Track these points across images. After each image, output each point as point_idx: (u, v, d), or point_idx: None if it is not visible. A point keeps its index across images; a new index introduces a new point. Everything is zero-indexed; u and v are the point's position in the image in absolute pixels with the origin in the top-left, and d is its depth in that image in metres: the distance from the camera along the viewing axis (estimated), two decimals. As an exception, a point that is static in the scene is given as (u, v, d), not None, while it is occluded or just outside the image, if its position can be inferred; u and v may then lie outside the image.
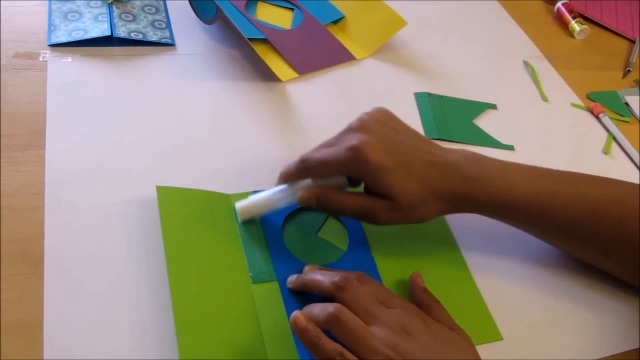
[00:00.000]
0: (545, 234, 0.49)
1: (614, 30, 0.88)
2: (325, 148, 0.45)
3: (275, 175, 0.52)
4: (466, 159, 0.46)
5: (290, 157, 0.54)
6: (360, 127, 0.44)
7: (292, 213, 0.49)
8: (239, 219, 0.46)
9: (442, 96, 0.66)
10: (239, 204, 0.46)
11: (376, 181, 0.43)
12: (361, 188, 0.46)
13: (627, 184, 0.48)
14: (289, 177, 0.45)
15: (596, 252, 0.48)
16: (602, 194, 0.47)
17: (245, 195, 0.49)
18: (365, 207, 0.44)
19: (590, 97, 0.74)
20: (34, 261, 0.41)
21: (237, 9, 0.66)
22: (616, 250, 0.47)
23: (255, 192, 0.49)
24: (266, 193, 0.46)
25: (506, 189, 0.45)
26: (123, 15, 0.62)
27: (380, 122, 0.45)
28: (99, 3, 0.62)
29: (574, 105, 0.72)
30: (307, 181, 0.45)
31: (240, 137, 0.55)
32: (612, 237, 0.46)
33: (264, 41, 0.65)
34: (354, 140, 0.43)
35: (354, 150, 0.42)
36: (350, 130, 0.45)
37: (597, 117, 0.70)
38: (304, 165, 0.44)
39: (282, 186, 0.46)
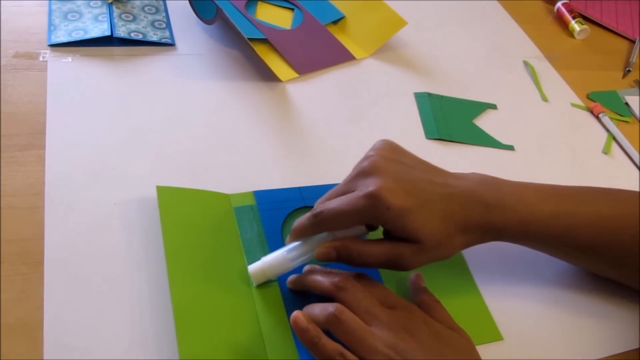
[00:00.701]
0: (563, 253, 0.48)
1: (614, 30, 0.88)
2: (337, 197, 0.42)
3: (276, 175, 0.52)
4: (482, 184, 0.44)
5: (290, 156, 0.55)
6: (372, 170, 0.41)
7: (292, 213, 0.49)
8: (253, 284, 0.43)
9: (442, 96, 0.66)
10: (252, 268, 0.43)
11: (399, 226, 0.40)
12: (379, 231, 0.44)
13: (628, 196, 0.48)
14: (303, 232, 0.42)
15: (612, 267, 0.48)
16: (619, 208, 0.46)
17: (245, 195, 0.49)
18: (390, 255, 0.41)
19: (590, 97, 0.74)
20: (34, 261, 0.41)
21: (237, 9, 0.66)
22: (631, 263, 0.46)
23: (256, 192, 0.49)
24: (279, 253, 0.43)
25: (526, 213, 0.44)
26: (123, 15, 0.62)
27: (390, 159, 0.43)
28: (99, 3, 0.62)
29: (574, 105, 0.72)
30: (322, 235, 0.42)
31: (240, 137, 0.55)
32: (629, 250, 0.46)
33: (264, 41, 0.65)
34: (370, 186, 0.40)
35: (372, 198, 0.39)
36: (362, 174, 0.42)
37: (597, 117, 0.70)
38: (319, 218, 0.41)
39: (296, 243, 0.43)
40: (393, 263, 0.42)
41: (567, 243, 0.46)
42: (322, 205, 0.42)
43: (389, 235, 0.43)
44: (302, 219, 0.42)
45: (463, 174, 0.46)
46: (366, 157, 0.43)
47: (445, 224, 0.42)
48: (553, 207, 0.45)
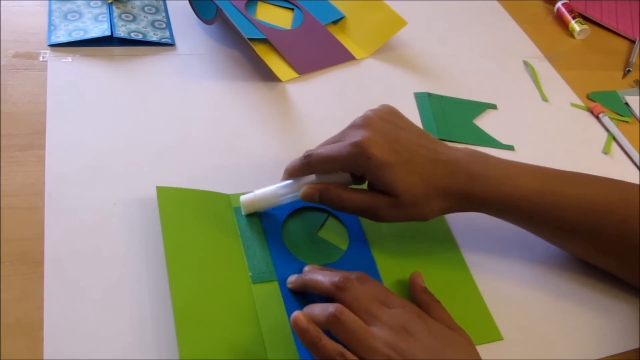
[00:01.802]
0: (547, 233, 0.49)
1: (614, 30, 0.88)
2: (329, 144, 0.45)
3: (276, 175, 0.52)
4: (470, 156, 0.46)
5: (290, 156, 0.54)
6: (364, 124, 0.44)
7: (293, 213, 0.49)
8: (243, 212, 0.47)
9: (442, 96, 0.66)
10: (244, 198, 0.46)
11: (378, 177, 0.43)
12: (365, 185, 0.46)
13: (631, 185, 0.48)
14: (294, 172, 0.46)
15: (597, 252, 0.49)
16: (606, 194, 0.47)
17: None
18: (367, 204, 0.44)
19: (590, 97, 0.74)
20: (34, 261, 0.41)
21: (237, 9, 0.66)
22: (617, 250, 0.47)
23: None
24: (271, 188, 0.46)
25: (510, 187, 0.45)
26: (123, 15, 0.62)
27: (384, 119, 0.45)
28: (99, 3, 0.62)
29: (574, 105, 0.72)
30: (312, 177, 0.46)
31: (240, 137, 0.55)
32: (614, 237, 0.46)
33: (264, 41, 0.65)
34: (357, 136, 0.43)
35: (356, 146, 0.42)
36: (354, 126, 0.45)
37: (597, 117, 0.70)
38: (308, 160, 0.45)
39: (287, 182, 0.46)
40: (369, 212, 0.45)
41: (550, 222, 0.47)
42: (313, 150, 0.45)
43: (372, 189, 0.45)
44: (293, 161, 0.46)
45: (455, 146, 0.47)
46: (363, 114, 0.46)
47: (426, 185, 0.44)
48: (538, 184, 0.46)
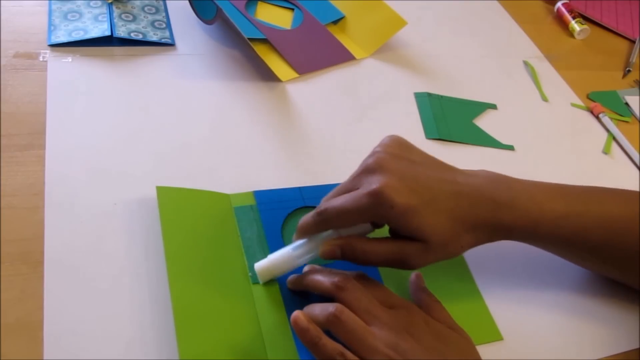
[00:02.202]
0: (574, 255, 0.48)
1: (614, 30, 0.88)
2: (342, 194, 0.41)
3: (276, 175, 0.52)
4: (492, 182, 0.43)
5: (290, 157, 0.55)
6: (377, 167, 0.41)
7: (293, 213, 0.49)
8: (260, 281, 0.43)
9: (442, 96, 0.66)
10: (259, 266, 0.43)
11: (403, 224, 0.40)
12: (385, 229, 0.43)
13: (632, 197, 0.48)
14: (308, 230, 0.42)
15: (621, 269, 0.48)
16: (627, 209, 0.46)
17: (245, 195, 0.49)
18: (394, 254, 0.41)
19: (590, 97, 0.74)
20: (34, 261, 0.41)
21: (237, 9, 0.66)
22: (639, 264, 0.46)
23: (256, 192, 0.49)
24: (285, 251, 0.43)
25: (536, 212, 0.43)
26: (123, 15, 0.62)
27: (396, 156, 0.42)
28: (99, 3, 0.62)
29: (574, 105, 0.72)
30: (327, 233, 0.42)
31: (240, 137, 0.55)
32: (636, 252, 0.45)
33: (264, 41, 0.65)
34: (373, 184, 0.39)
35: (376, 196, 0.39)
36: (367, 171, 0.41)
37: (597, 117, 0.70)
38: (323, 217, 0.41)
39: (301, 241, 0.43)
40: (398, 262, 0.41)
41: (576, 243, 0.46)
42: (327, 203, 0.41)
43: (395, 233, 0.42)
44: (306, 217, 0.42)
45: (472, 171, 0.45)
46: (372, 154, 0.42)
47: (453, 222, 0.41)
48: (563, 207, 0.44)
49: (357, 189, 0.41)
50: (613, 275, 0.50)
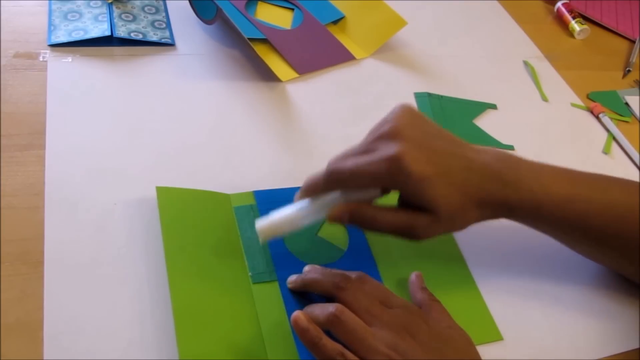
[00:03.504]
0: (577, 241, 0.48)
1: (614, 30, 0.88)
2: (355, 157, 0.40)
3: (275, 175, 0.52)
4: (500, 160, 0.43)
5: (290, 157, 0.55)
6: (394, 134, 0.40)
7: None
8: (260, 240, 0.43)
9: (442, 96, 0.66)
10: (259, 224, 0.42)
11: (417, 194, 0.40)
12: (389, 197, 0.43)
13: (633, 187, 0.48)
14: (315, 189, 0.41)
15: (624, 258, 0.48)
16: (632, 198, 0.46)
17: (245, 195, 0.49)
18: (405, 224, 0.41)
19: (590, 97, 0.74)
20: (34, 261, 0.41)
21: (237, 9, 0.66)
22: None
23: (256, 192, 0.49)
24: (289, 210, 0.41)
25: (541, 194, 0.43)
26: (123, 15, 0.62)
27: (413, 125, 0.41)
28: (99, 3, 0.62)
29: (574, 105, 0.72)
30: (334, 195, 0.41)
31: (240, 137, 0.55)
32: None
33: (264, 41, 0.65)
34: (391, 149, 0.39)
35: (393, 161, 0.38)
36: (383, 136, 0.40)
37: (597, 117, 0.70)
38: (335, 176, 0.40)
39: (306, 201, 0.42)
40: (407, 232, 0.41)
41: (579, 228, 0.45)
42: (338, 163, 0.40)
43: (404, 203, 0.42)
44: (314, 176, 0.41)
45: (482, 147, 0.44)
46: (385, 121, 0.41)
47: (463, 196, 0.41)
48: (568, 190, 0.44)
49: (372, 152, 0.40)
50: (617, 266, 0.50)
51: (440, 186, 0.40)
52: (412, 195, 0.40)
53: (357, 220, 0.41)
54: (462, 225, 0.43)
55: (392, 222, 0.41)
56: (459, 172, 0.41)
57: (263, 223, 0.42)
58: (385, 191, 0.43)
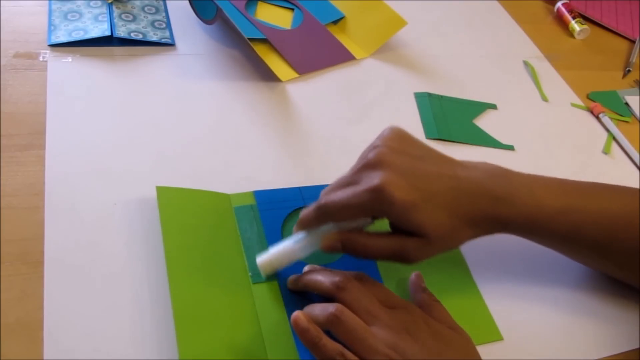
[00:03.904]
0: (572, 251, 0.48)
1: (614, 30, 0.88)
2: (342, 189, 0.41)
3: (276, 174, 0.52)
4: (491, 176, 0.44)
5: (290, 157, 0.55)
6: (378, 162, 0.41)
7: (293, 213, 0.49)
8: (263, 275, 0.44)
9: (442, 96, 0.66)
10: (260, 260, 0.43)
11: (404, 220, 0.40)
12: (385, 221, 0.43)
13: (630, 193, 0.48)
14: (309, 224, 0.42)
15: (620, 266, 0.48)
16: (626, 206, 0.46)
17: (245, 195, 0.49)
18: (394, 249, 0.41)
19: (590, 97, 0.74)
20: (34, 261, 0.41)
21: (237, 9, 0.66)
22: (637, 262, 0.46)
23: (256, 192, 0.49)
24: (286, 244, 0.43)
25: (534, 207, 0.44)
26: (123, 15, 0.62)
27: (397, 150, 0.42)
28: (99, 3, 0.62)
29: (574, 105, 0.72)
30: (327, 226, 0.42)
31: (240, 137, 0.55)
32: (634, 249, 0.45)
33: (264, 41, 0.65)
34: (374, 180, 0.39)
35: (376, 192, 0.39)
36: (368, 166, 0.41)
37: (597, 117, 0.70)
38: (323, 211, 0.41)
39: (302, 234, 0.43)
40: (398, 257, 0.42)
41: (574, 239, 0.46)
42: (327, 197, 0.41)
43: (395, 228, 0.42)
44: (307, 210, 0.42)
45: (472, 163, 0.45)
46: (373, 147, 0.42)
47: (452, 217, 0.41)
48: (562, 202, 0.45)
49: (357, 183, 0.41)
50: (612, 273, 0.50)
51: (427, 210, 0.40)
52: (400, 223, 0.41)
53: (349, 248, 0.42)
54: (456, 244, 0.43)
55: (383, 247, 0.41)
56: (446, 193, 0.41)
57: (264, 258, 0.43)
58: (376, 217, 0.43)
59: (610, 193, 0.47)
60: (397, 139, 0.43)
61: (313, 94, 0.62)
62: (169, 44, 0.62)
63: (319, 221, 0.42)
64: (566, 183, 0.47)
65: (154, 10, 0.65)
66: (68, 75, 0.55)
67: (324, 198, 0.41)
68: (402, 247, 0.41)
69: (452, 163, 0.44)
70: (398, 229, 0.42)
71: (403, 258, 0.42)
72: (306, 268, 0.44)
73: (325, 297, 0.41)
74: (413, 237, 0.41)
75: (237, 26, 0.60)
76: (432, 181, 0.41)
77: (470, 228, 0.43)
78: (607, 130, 0.69)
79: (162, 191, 0.46)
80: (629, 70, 0.80)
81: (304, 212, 0.42)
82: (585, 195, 0.46)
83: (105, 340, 0.39)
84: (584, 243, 0.46)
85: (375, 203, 0.39)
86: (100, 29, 0.59)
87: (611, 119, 0.70)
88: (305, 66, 0.64)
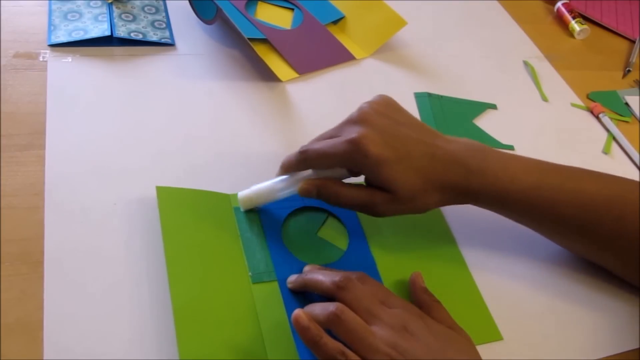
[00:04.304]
0: (544, 228, 0.49)
1: (614, 30, 0.88)
2: (324, 139, 0.45)
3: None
4: (469, 150, 0.46)
5: (290, 157, 0.54)
6: (360, 119, 0.44)
7: (293, 213, 0.49)
8: (241, 208, 0.47)
9: (442, 96, 0.66)
10: (241, 194, 0.47)
11: (375, 174, 0.43)
12: (362, 179, 0.46)
13: (628, 181, 0.48)
14: (290, 167, 0.46)
15: (594, 248, 0.48)
16: (604, 189, 0.47)
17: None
18: (364, 199, 0.44)
19: (590, 97, 0.74)
20: (34, 261, 0.41)
21: (237, 9, 0.66)
22: (615, 246, 0.47)
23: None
24: (268, 183, 0.46)
25: (507, 181, 0.45)
26: (123, 15, 0.62)
27: (380, 112, 0.45)
28: (99, 3, 0.62)
29: (574, 105, 0.72)
30: (308, 172, 0.45)
31: (240, 137, 0.55)
32: (612, 233, 0.46)
33: (264, 41, 0.65)
34: (353, 133, 0.43)
35: (353, 144, 0.42)
36: (350, 122, 0.45)
37: (597, 117, 0.70)
38: (304, 156, 0.44)
39: (283, 177, 0.46)
40: (367, 208, 0.45)
41: (547, 217, 0.47)
42: (309, 145, 0.45)
43: (369, 183, 0.45)
44: (289, 156, 0.46)
45: (455, 138, 0.47)
46: (359, 108, 0.45)
47: (422, 180, 0.44)
48: (536, 178, 0.46)
49: (339, 136, 0.44)
50: (588, 256, 0.50)
51: (398, 169, 0.43)
52: (371, 176, 0.44)
53: (323, 195, 0.45)
54: (423, 207, 0.46)
55: (354, 197, 0.44)
56: (420, 158, 0.44)
57: (245, 192, 0.47)
58: (354, 173, 0.46)
59: (590, 176, 0.48)
60: (383, 104, 0.46)
61: (313, 94, 0.62)
62: (169, 44, 0.62)
63: (299, 166, 0.45)
64: (544, 163, 0.48)
65: (154, 10, 0.65)
66: (68, 75, 0.55)
67: (306, 146, 0.45)
68: (371, 200, 0.44)
69: (434, 134, 0.46)
70: (371, 184, 0.44)
71: (371, 210, 0.45)
72: (306, 268, 0.44)
73: (325, 296, 0.41)
74: (383, 191, 0.44)
75: (237, 26, 0.60)
76: (409, 144, 0.44)
77: (438, 193, 0.45)
78: (607, 130, 0.69)
79: (162, 191, 0.46)
80: (629, 70, 0.80)
81: (286, 157, 0.46)
82: (562, 175, 0.47)
83: (105, 340, 0.39)
84: (559, 221, 0.47)
85: (350, 154, 0.42)
86: (100, 29, 0.59)
87: (611, 119, 0.70)
88: (305, 66, 0.64)
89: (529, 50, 0.79)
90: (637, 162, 0.65)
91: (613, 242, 0.47)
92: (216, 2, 0.60)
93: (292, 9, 0.71)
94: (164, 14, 0.65)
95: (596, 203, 0.46)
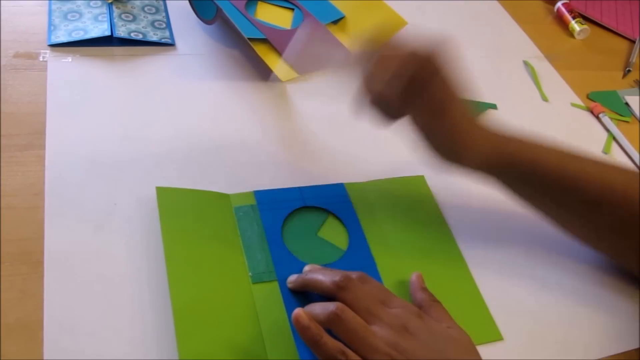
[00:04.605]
0: (528, 194, 0.49)
1: (614, 30, 0.88)
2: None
3: (276, 174, 0.52)
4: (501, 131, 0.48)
5: (290, 156, 0.55)
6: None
7: (293, 213, 0.49)
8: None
9: (442, 96, 0.66)
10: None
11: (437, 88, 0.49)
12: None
13: (630, 172, 0.48)
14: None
15: (578, 219, 0.48)
16: (606, 174, 0.47)
17: (245, 195, 0.49)
18: None
19: (590, 97, 0.74)
20: (34, 261, 0.41)
21: (237, 9, 0.66)
22: (615, 232, 0.47)
23: (256, 192, 0.49)
24: None
25: (538, 152, 0.47)
26: (123, 15, 0.62)
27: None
28: (99, 3, 0.62)
29: (574, 105, 0.72)
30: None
31: (240, 137, 0.55)
32: (615, 219, 0.46)
33: (264, 41, 0.65)
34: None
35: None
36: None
37: (597, 117, 0.70)
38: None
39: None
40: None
41: (529, 179, 0.47)
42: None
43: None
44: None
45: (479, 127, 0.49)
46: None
47: (472, 119, 0.49)
48: (524, 145, 0.48)
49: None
50: (569, 228, 0.50)
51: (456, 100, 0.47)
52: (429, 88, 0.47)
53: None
54: (466, 142, 0.47)
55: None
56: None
57: None
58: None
59: (584, 157, 0.48)
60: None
61: (313, 94, 0.62)
62: (169, 44, 0.62)
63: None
64: (542, 140, 0.49)
65: (154, 10, 0.65)
66: (68, 75, 0.55)
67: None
68: None
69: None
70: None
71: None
72: (306, 268, 0.44)
73: (325, 296, 0.41)
74: None
75: (237, 26, 0.60)
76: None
77: (483, 138, 0.47)
78: (607, 130, 0.69)
79: (162, 191, 0.46)
80: (629, 70, 0.80)
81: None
82: (554, 146, 0.49)
83: (105, 340, 0.39)
84: (541, 183, 0.47)
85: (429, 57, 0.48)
86: (100, 29, 0.59)
87: (611, 119, 0.70)
88: (305, 66, 0.64)
89: (529, 50, 0.79)
90: (637, 162, 0.65)
91: (612, 228, 0.46)
92: (216, 2, 0.60)
93: (292, 9, 0.71)
94: (164, 14, 0.65)
95: (583, 176, 0.46)
